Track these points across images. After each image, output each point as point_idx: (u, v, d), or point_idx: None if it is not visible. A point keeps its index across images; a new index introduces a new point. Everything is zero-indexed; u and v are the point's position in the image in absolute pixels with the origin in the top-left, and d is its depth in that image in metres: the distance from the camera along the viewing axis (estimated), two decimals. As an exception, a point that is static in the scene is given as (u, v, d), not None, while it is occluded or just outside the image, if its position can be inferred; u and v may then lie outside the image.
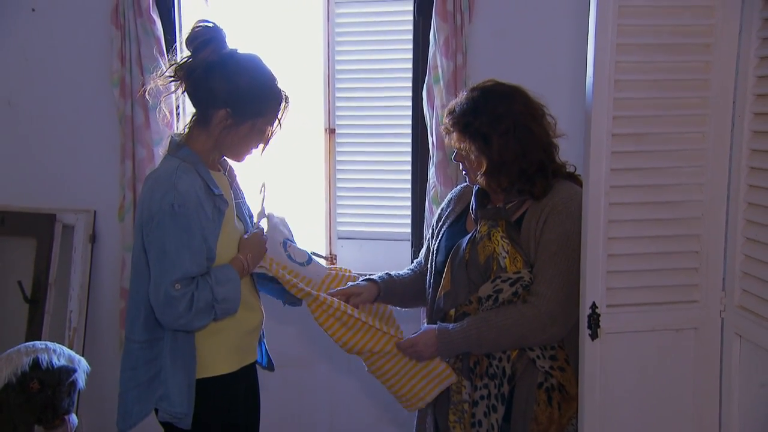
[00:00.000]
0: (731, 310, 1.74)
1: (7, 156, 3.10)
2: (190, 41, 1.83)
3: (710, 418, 1.80)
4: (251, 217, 2.08)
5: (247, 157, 1.94)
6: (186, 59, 1.84)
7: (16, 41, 3.03)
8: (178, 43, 1.89)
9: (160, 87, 1.89)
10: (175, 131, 2.82)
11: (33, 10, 3.00)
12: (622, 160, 1.72)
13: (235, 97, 1.81)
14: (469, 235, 1.97)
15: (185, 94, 1.88)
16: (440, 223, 2.12)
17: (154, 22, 2.78)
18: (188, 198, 1.76)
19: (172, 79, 1.85)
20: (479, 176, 1.93)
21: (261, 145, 1.92)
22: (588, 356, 1.77)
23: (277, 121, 1.90)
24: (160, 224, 1.76)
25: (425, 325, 2.09)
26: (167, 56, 1.92)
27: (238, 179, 2.05)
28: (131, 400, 1.88)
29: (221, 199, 1.85)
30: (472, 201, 2.02)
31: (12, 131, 3.09)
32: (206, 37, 1.82)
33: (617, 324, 1.76)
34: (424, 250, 2.22)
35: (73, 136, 3.03)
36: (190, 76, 1.83)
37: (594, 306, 1.75)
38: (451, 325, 1.93)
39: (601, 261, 1.74)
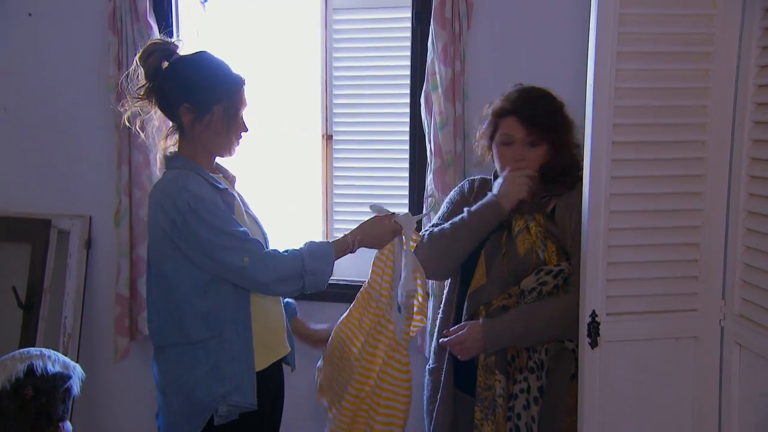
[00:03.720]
0: (731, 318, 1.74)
1: (2, 161, 3.08)
2: (140, 57, 1.92)
3: (710, 427, 1.80)
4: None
5: (237, 149, 1.97)
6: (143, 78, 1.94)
7: (11, 46, 3.01)
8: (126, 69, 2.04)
9: (138, 110, 1.97)
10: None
11: (29, 14, 2.98)
12: (622, 168, 1.72)
13: (188, 90, 1.88)
14: (503, 228, 1.99)
15: (157, 109, 1.96)
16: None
17: (151, 27, 2.77)
18: (201, 193, 1.82)
19: (139, 98, 1.94)
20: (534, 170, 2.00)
21: (243, 133, 1.96)
22: (587, 365, 1.76)
23: (240, 104, 1.92)
24: (188, 224, 1.80)
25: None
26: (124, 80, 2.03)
27: (237, 184, 2.08)
28: (202, 397, 1.88)
29: (227, 193, 1.91)
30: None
31: (7, 136, 3.07)
32: (152, 49, 1.91)
33: (617, 332, 1.76)
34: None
35: (69, 141, 3.01)
36: (152, 90, 1.91)
37: (594, 314, 1.74)
38: (495, 320, 1.92)
39: (601, 269, 1.73)
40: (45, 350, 2.22)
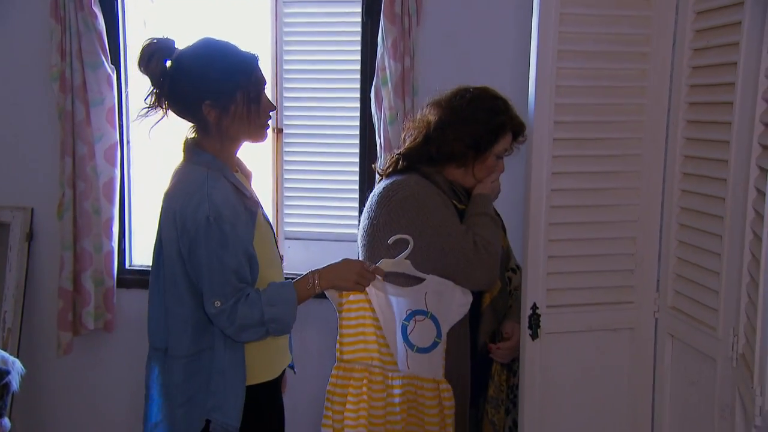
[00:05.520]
0: (664, 310, 1.80)
1: (-61, 151, 2.98)
2: (139, 63, 1.78)
3: (644, 413, 1.86)
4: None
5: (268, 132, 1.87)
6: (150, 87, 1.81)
7: (-50, 33, 2.91)
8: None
9: (150, 116, 1.82)
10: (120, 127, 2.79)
11: (-32, 0, 2.89)
12: (562, 164, 1.77)
13: (205, 86, 1.75)
14: None
15: (170, 113, 1.82)
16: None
17: (96, 16, 2.71)
18: (223, 209, 1.71)
19: (148, 108, 1.81)
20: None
21: (271, 112, 1.86)
22: (528, 356, 1.80)
23: (260, 84, 1.81)
24: (197, 240, 1.71)
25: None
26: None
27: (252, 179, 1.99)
28: (181, 416, 1.80)
29: (252, 201, 1.83)
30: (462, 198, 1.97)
31: (-55, 125, 2.97)
32: (149, 53, 1.77)
33: (557, 324, 1.81)
34: None
35: (11, 131, 2.92)
36: (161, 94, 1.79)
37: (535, 307, 1.79)
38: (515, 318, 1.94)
39: (542, 263, 1.78)
40: (-18, 345, 2.17)
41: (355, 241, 2.85)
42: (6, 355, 2.20)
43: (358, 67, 2.77)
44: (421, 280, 1.84)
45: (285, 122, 2.94)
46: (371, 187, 2.75)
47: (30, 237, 2.91)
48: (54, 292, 2.84)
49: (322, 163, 2.95)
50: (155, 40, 1.78)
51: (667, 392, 1.78)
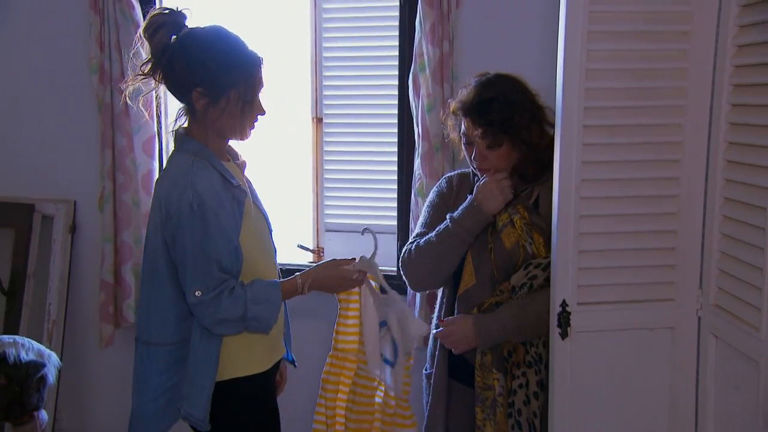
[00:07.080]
0: (708, 308, 1.67)
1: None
2: (145, 30, 1.78)
3: (686, 421, 1.74)
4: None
5: (251, 132, 1.87)
6: (149, 54, 1.81)
7: (-8, 28, 2.97)
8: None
9: (141, 87, 1.84)
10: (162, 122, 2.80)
11: (8, -6, 2.94)
12: (593, 152, 1.66)
13: (201, 73, 1.75)
14: (487, 225, 1.93)
15: (163, 85, 1.83)
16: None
17: (133, 6, 2.72)
18: (207, 197, 1.71)
19: (143, 76, 1.80)
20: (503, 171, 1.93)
21: (259, 116, 1.85)
22: (558, 356, 1.71)
23: (257, 86, 1.81)
24: (180, 226, 1.71)
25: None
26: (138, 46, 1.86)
27: (246, 169, 1.98)
28: (163, 404, 1.82)
29: (239, 190, 1.81)
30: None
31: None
32: (158, 23, 1.76)
33: (588, 323, 1.71)
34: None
35: (52, 124, 2.98)
36: (158, 66, 1.78)
37: (564, 304, 1.69)
38: (487, 315, 1.89)
39: (572, 257, 1.68)
40: (18, 338, 2.19)
41: (393, 233, 2.83)
42: (42, 348, 2.22)
43: (398, 53, 2.69)
44: (385, 292, 1.91)
45: (324, 111, 2.90)
46: (410, 177, 2.70)
47: (73, 229, 2.96)
48: (96, 284, 2.89)
49: (362, 153, 2.90)
50: (167, 12, 1.78)
51: (711, 397, 1.66)
